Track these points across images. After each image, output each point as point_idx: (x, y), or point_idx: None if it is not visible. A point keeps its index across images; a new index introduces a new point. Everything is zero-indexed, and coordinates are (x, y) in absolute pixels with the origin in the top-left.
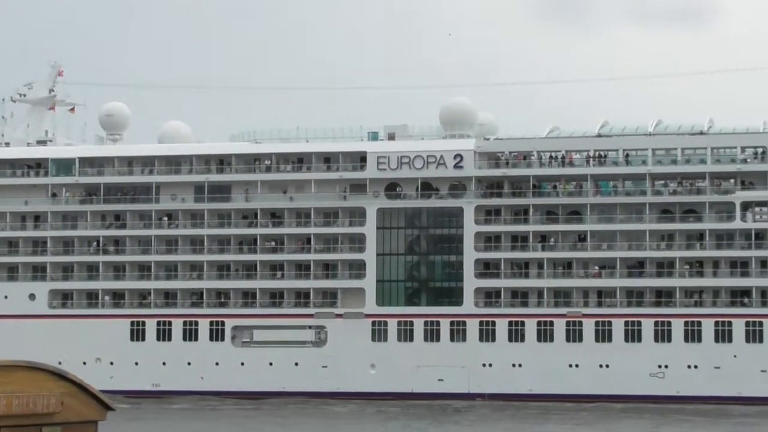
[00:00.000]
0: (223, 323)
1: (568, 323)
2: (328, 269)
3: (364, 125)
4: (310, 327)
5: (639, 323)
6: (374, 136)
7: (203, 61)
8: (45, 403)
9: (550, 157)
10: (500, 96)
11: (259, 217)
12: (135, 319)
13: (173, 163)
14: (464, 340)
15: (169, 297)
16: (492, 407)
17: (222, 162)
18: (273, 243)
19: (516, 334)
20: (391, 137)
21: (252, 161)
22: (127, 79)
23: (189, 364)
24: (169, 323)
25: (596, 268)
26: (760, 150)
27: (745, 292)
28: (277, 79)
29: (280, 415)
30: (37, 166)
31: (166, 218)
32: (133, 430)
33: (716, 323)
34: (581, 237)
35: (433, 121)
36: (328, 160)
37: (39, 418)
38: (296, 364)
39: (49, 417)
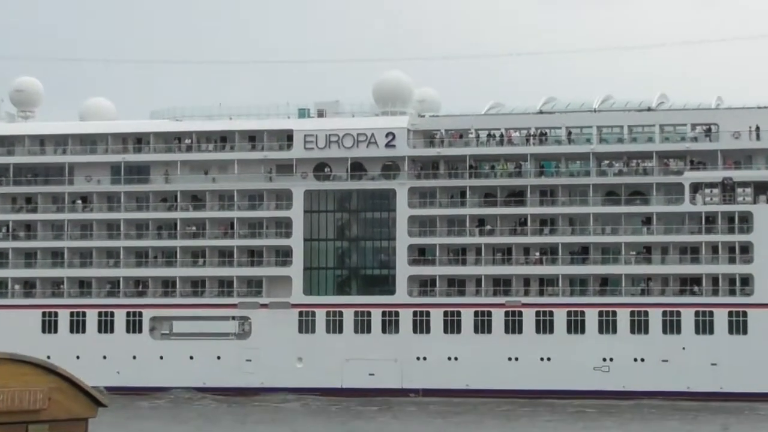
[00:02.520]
0: (140, 314)
1: (507, 313)
2: (253, 256)
3: (292, 101)
4: (233, 318)
5: (582, 313)
6: (304, 113)
7: (124, 32)
8: (31, 399)
9: (489, 135)
10: (445, 71)
11: (179, 200)
12: (47, 310)
13: (88, 142)
14: (397, 331)
15: (83, 286)
16: (425, 403)
17: (140, 141)
18: (194, 228)
19: (452, 325)
20: (321, 114)
21: (172, 140)
22: (42, 52)
23: (104, 357)
24: (83, 314)
25: (537, 254)
26: (711, 127)
27: (695, 280)
28: (200, 52)
29: (198, 412)
30: None
31: (80, 201)
32: None
33: (664, 313)
34: (521, 221)
35: (368, 98)
36: (252, 138)
37: (24, 416)
38: (218, 357)
39: (35, 414)
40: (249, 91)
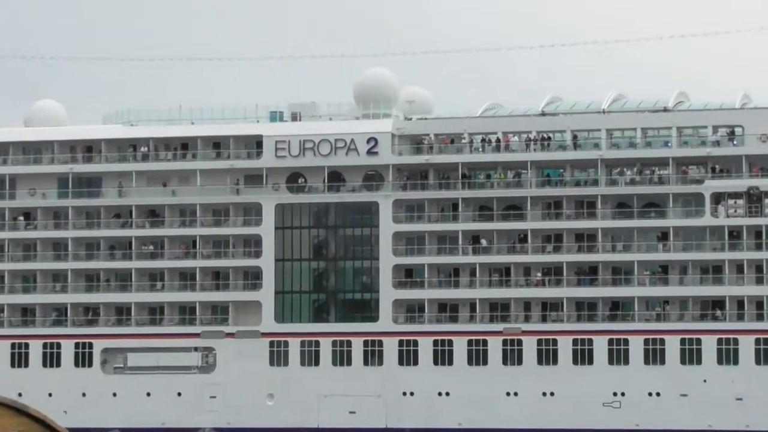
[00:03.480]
0: (90, 345)
1: (505, 342)
2: (218, 279)
3: (262, 103)
4: (195, 349)
5: (590, 342)
6: (276, 117)
7: (76, 28)
8: None
9: (484, 140)
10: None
11: (134, 216)
12: None
13: (32, 151)
14: (380, 363)
15: (26, 314)
16: None
17: (90, 149)
18: (151, 247)
19: (442, 356)
20: (296, 118)
21: (126, 148)
22: None
23: (50, 395)
24: (26, 345)
25: (539, 275)
26: (735, 130)
27: (718, 304)
28: (160, 49)
29: None
30: None
31: (22, 218)
32: None
33: (683, 341)
34: (521, 237)
35: (348, 99)
36: (217, 145)
37: None
38: (179, 394)
39: None
40: (214, 92)
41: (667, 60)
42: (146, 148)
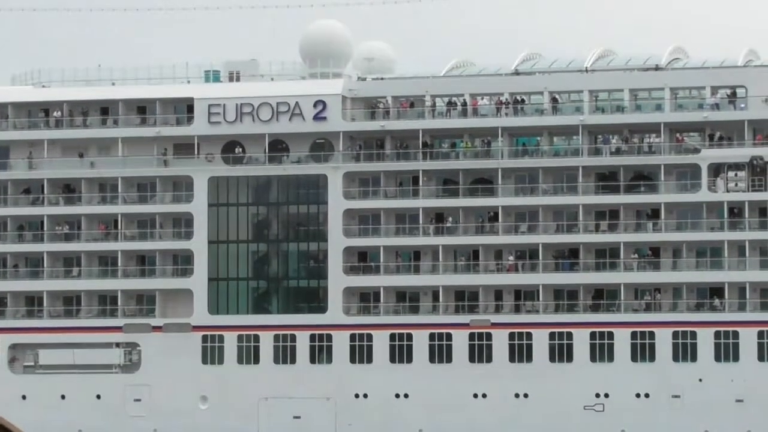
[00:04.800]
0: None
1: (472, 336)
2: (143, 264)
3: (194, 62)
4: (117, 345)
5: (570, 336)
6: (213, 77)
7: None
8: None
9: (449, 103)
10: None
11: (46, 191)
12: None
13: None
14: (329, 361)
15: None
16: None
17: None
18: (66, 227)
19: (400, 352)
20: (234, 78)
21: (37, 113)
22: None
23: None
24: None
25: (511, 258)
26: (737, 91)
27: (716, 291)
28: None
29: None
30: None
31: None
32: None
33: (675, 335)
34: (491, 216)
35: (295, 56)
36: (142, 110)
37: None
38: (98, 397)
39: None
40: (138, 49)
41: (662, 10)
42: (60, 113)
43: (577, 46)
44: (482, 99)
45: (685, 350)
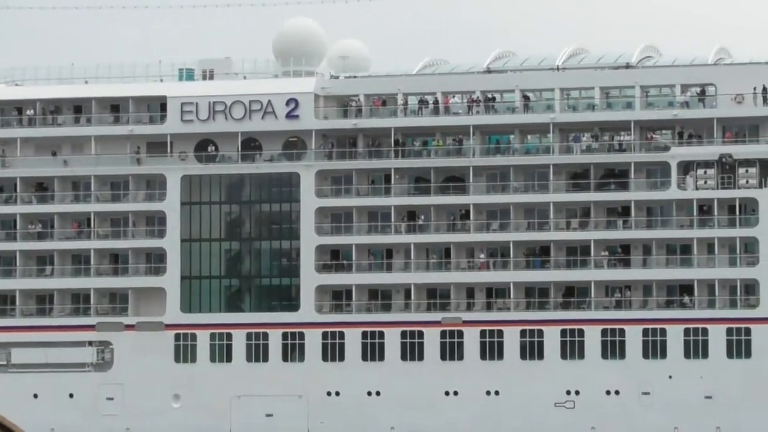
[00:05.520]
0: None
1: (443, 334)
2: (116, 262)
3: (168, 60)
4: (90, 343)
5: (540, 333)
6: (187, 75)
7: None
8: None
9: (421, 101)
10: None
11: (19, 190)
12: None
13: None
14: (302, 359)
15: None
16: None
17: None
18: (39, 226)
19: (372, 350)
20: (209, 77)
21: (10, 111)
22: None
23: None
24: None
25: (483, 256)
26: (707, 89)
27: (685, 289)
28: None
29: None
30: None
31: None
32: None
33: (645, 332)
34: (462, 214)
35: (269, 54)
36: (115, 108)
37: None
38: (71, 395)
39: None
40: (111, 46)
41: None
42: (33, 111)
43: (550, 45)
44: (454, 97)
45: (654, 347)
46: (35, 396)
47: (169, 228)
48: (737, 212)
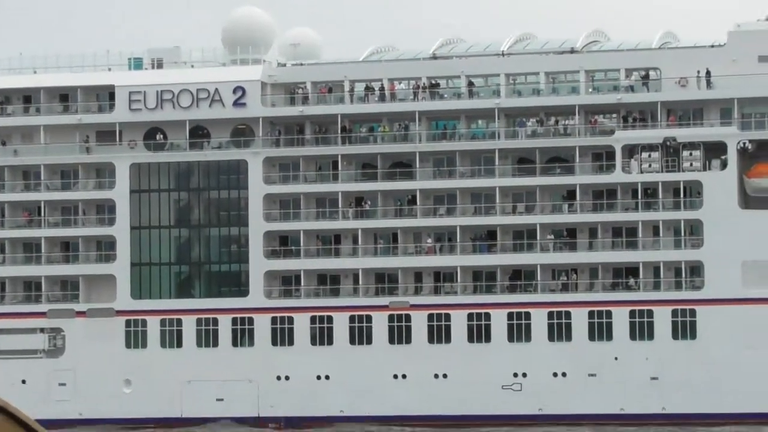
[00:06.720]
0: None
1: (391, 318)
2: (66, 250)
3: (116, 49)
4: (41, 330)
5: (487, 316)
6: (135, 64)
7: None
8: None
9: (367, 88)
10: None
11: None
12: None
13: None
14: (251, 344)
15: None
16: None
17: None
18: None
19: (321, 334)
20: (158, 65)
21: None
22: None
23: None
24: None
25: (430, 241)
26: (650, 73)
27: (631, 271)
28: None
29: None
30: None
31: None
32: None
33: (591, 314)
34: (409, 199)
35: (217, 43)
36: (64, 98)
37: None
38: (23, 381)
39: None
40: (60, 36)
41: None
42: None
43: (497, 31)
44: (400, 84)
45: (600, 329)
46: None
47: (118, 216)
48: (682, 195)
